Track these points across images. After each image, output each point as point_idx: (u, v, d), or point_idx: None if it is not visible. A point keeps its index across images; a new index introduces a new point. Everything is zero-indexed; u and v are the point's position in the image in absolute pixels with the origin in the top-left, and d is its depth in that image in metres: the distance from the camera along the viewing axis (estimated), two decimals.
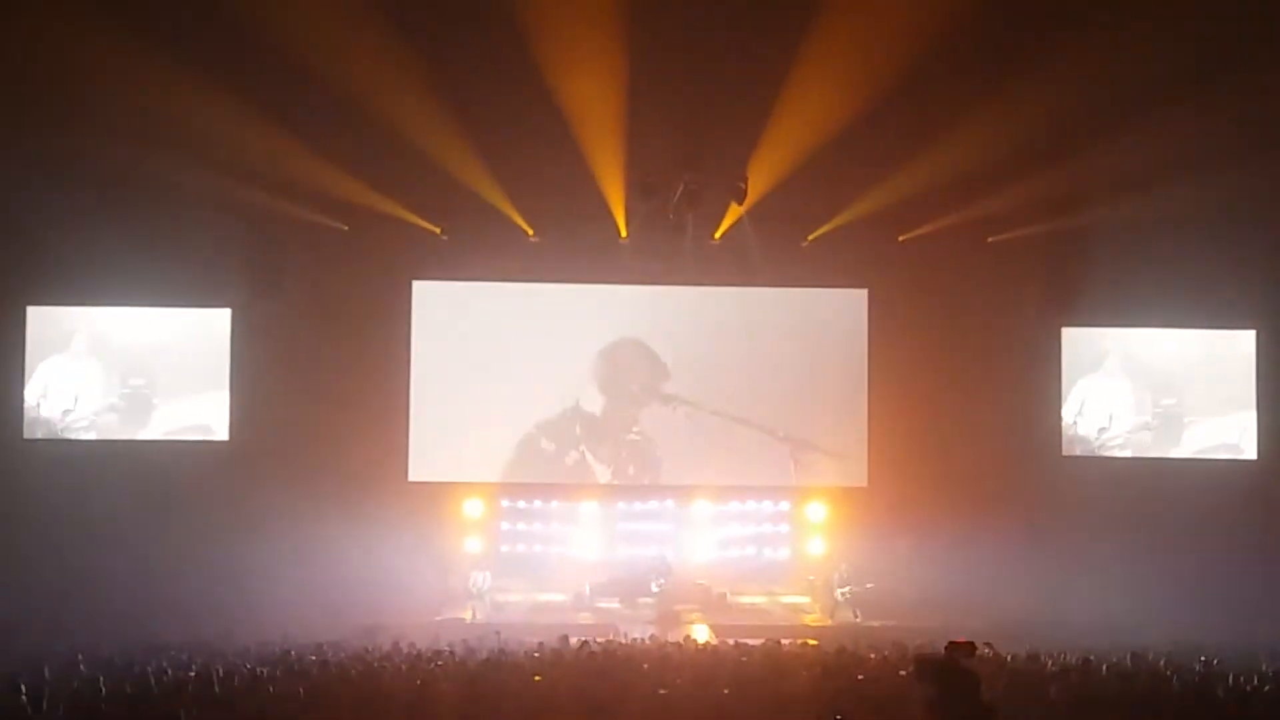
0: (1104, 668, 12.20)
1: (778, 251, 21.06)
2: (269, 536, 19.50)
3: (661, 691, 10.38)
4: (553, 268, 21.33)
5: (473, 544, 20.81)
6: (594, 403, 21.51)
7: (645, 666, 11.78)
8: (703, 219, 20.64)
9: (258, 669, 11.43)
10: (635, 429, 21.53)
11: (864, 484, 21.34)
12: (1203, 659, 12.94)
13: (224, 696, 10.05)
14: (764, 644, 14.03)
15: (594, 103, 17.29)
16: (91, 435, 21.01)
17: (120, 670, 11.55)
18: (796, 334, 21.55)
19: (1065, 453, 21.70)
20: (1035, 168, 18.61)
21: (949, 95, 17.27)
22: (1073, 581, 19.63)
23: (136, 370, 21.08)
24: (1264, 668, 12.22)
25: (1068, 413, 21.71)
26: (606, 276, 21.55)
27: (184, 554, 19.48)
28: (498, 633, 15.85)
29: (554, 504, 21.34)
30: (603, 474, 21.55)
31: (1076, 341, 21.84)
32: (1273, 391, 21.58)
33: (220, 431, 21.07)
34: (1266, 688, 11.06)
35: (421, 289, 21.46)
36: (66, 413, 20.95)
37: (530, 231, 20.97)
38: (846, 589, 20.07)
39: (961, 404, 21.06)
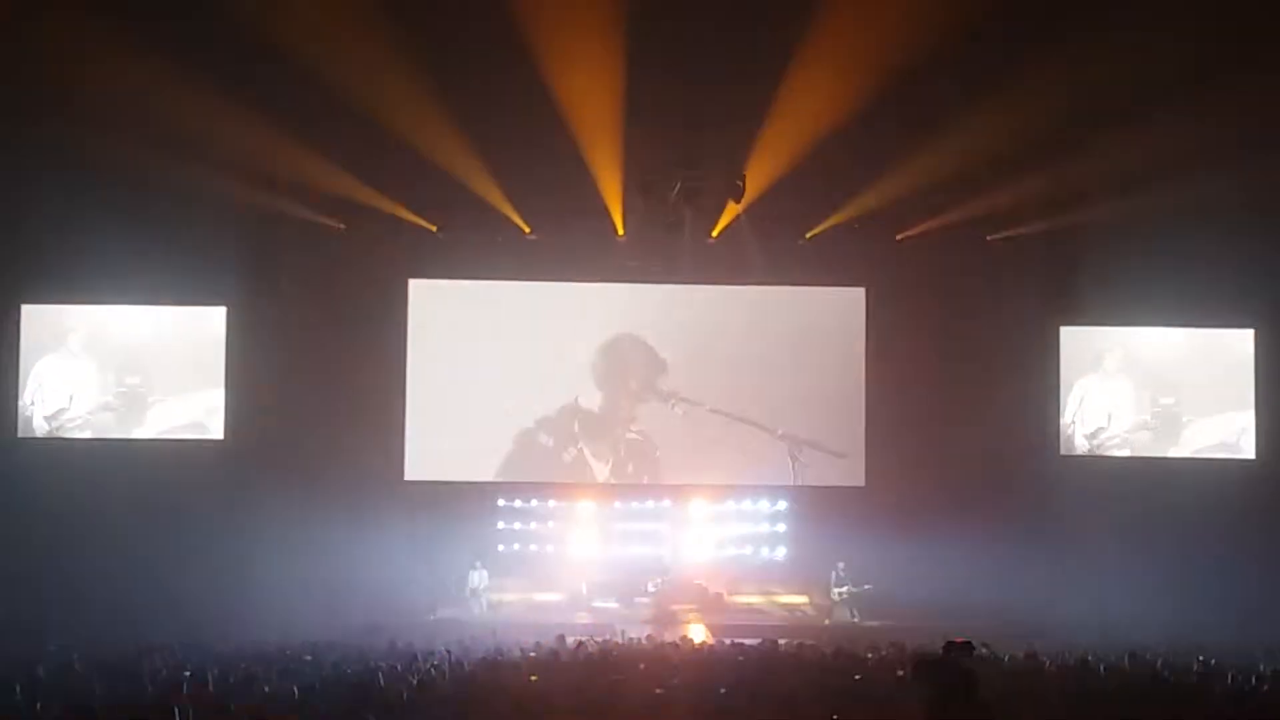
0: (1102, 667, 12.18)
1: (775, 250, 21.02)
2: (264, 536, 19.46)
3: (658, 691, 10.34)
4: (550, 266, 21.28)
5: (469, 543, 20.73)
6: (592, 399, 21.48)
7: (642, 666, 11.76)
8: (700, 217, 20.59)
9: (253, 669, 11.39)
10: (634, 427, 21.49)
11: (861, 483, 21.30)
12: (1201, 658, 12.92)
13: (219, 696, 10.00)
14: (761, 644, 14.01)
15: (591, 100, 17.27)
16: (86, 434, 20.94)
17: (115, 670, 11.50)
18: (794, 333, 21.51)
19: (1063, 452, 21.67)
20: (1034, 166, 18.58)
21: (947, 93, 17.26)
22: (1071, 581, 19.62)
23: (131, 369, 21.01)
24: (1262, 667, 12.20)
25: (1066, 412, 21.68)
26: (604, 275, 21.50)
27: (179, 553, 19.40)
28: (494, 632, 15.87)
29: (551, 503, 21.29)
30: (601, 471, 21.51)
31: (1075, 340, 21.80)
32: (1271, 391, 21.55)
33: (216, 430, 21.00)
34: (1265, 687, 11.03)
35: (418, 287, 21.41)
36: (61, 411, 20.88)
37: (527, 229, 20.93)
38: (844, 589, 20.05)
39: (959, 403, 21.03)
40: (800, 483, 21.04)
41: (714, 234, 20.98)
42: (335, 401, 20.62)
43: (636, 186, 19.89)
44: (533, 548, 21.19)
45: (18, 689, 10.02)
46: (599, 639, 14.22)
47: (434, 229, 20.89)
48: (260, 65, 15.84)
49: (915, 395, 21.12)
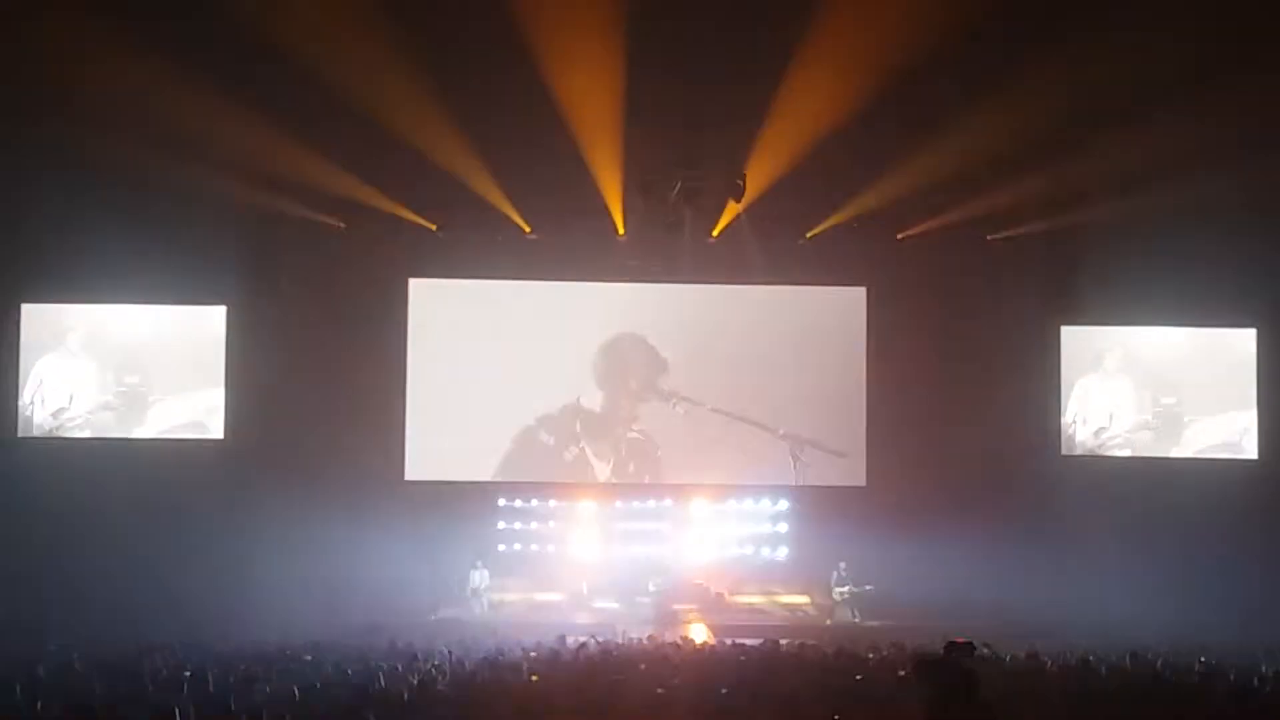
0: (1103, 668, 12.16)
1: (776, 249, 21.00)
2: (265, 535, 19.45)
3: (659, 691, 10.33)
4: (550, 265, 21.27)
5: (470, 543, 20.72)
6: (593, 399, 21.46)
7: (643, 666, 11.74)
8: (701, 217, 20.58)
9: (253, 669, 11.38)
10: (635, 427, 21.48)
11: (862, 483, 21.29)
12: (1202, 659, 12.90)
13: (220, 696, 9.98)
14: (762, 644, 13.99)
15: (591, 99, 17.26)
16: (86, 434, 20.94)
17: (116, 670, 11.49)
18: (795, 332, 21.50)
19: (1064, 452, 21.66)
20: (1034, 166, 18.57)
21: (947, 93, 17.25)
22: (1072, 581, 19.58)
23: (131, 368, 21.01)
24: (1264, 668, 12.18)
25: (1067, 412, 21.66)
26: (604, 274, 21.50)
27: (180, 553, 19.40)
28: (495, 632, 15.85)
29: (552, 503, 21.28)
30: (602, 470, 21.50)
31: (1076, 340, 21.79)
32: (1273, 390, 21.54)
33: (216, 430, 21.00)
34: (1267, 688, 11.01)
35: (418, 286, 21.40)
36: (61, 411, 20.87)
37: (528, 229, 20.92)
38: (845, 589, 20.03)
39: (960, 403, 21.02)
40: (801, 482, 21.01)
41: (714, 234, 20.97)
42: (335, 401, 20.61)
43: (637, 186, 19.88)
44: (534, 547, 21.17)
45: (18, 689, 10.01)
46: (600, 639, 14.21)
47: (434, 228, 20.88)
48: (260, 65, 15.83)
49: (916, 395, 21.11)
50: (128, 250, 19.67)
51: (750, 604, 20.69)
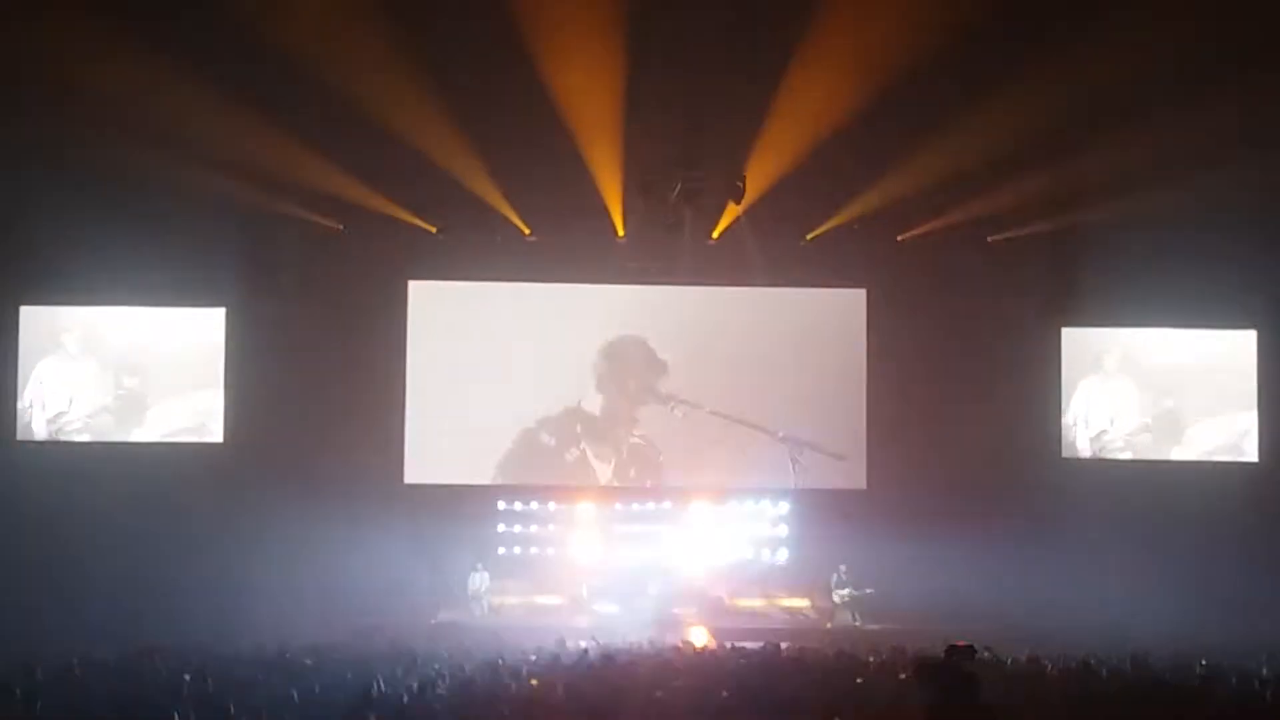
0: (1104, 671, 12.13)
1: (776, 251, 20.98)
2: (264, 538, 19.43)
3: (659, 695, 10.30)
4: (550, 267, 21.24)
5: (469, 546, 20.68)
6: (593, 402, 21.43)
7: (643, 670, 11.71)
8: (701, 218, 20.56)
9: (253, 672, 11.36)
10: (637, 431, 21.45)
11: (862, 486, 21.26)
12: (1203, 662, 12.87)
13: (219, 699, 9.96)
14: (763, 647, 13.96)
15: (591, 101, 17.24)
16: (85, 437, 20.91)
17: (115, 674, 11.47)
18: (795, 334, 21.47)
19: (1065, 454, 21.64)
20: (1035, 167, 18.57)
21: (948, 94, 17.23)
22: (1073, 584, 19.54)
23: (130, 371, 20.99)
24: (1265, 671, 12.14)
25: (1067, 414, 21.64)
26: (604, 276, 21.47)
27: (179, 556, 19.38)
28: (495, 635, 15.82)
29: (551, 506, 21.24)
30: (604, 473, 21.47)
31: (1076, 342, 21.78)
32: (1273, 392, 21.52)
33: (215, 433, 20.97)
34: (1268, 692, 10.98)
35: (417, 289, 21.37)
36: (60, 414, 20.85)
37: (527, 231, 20.90)
38: (845, 592, 20.00)
39: (961, 405, 20.99)
40: (801, 485, 20.97)
41: (714, 235, 20.95)
42: (335, 404, 20.60)
43: (636, 187, 19.86)
44: (533, 551, 21.13)
45: (17, 692, 9.98)
46: (600, 642, 14.18)
47: (433, 230, 20.86)
48: (259, 66, 15.81)
49: (916, 397, 21.10)
50: (126, 252, 19.67)
51: (750, 607, 20.63)
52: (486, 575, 20.31)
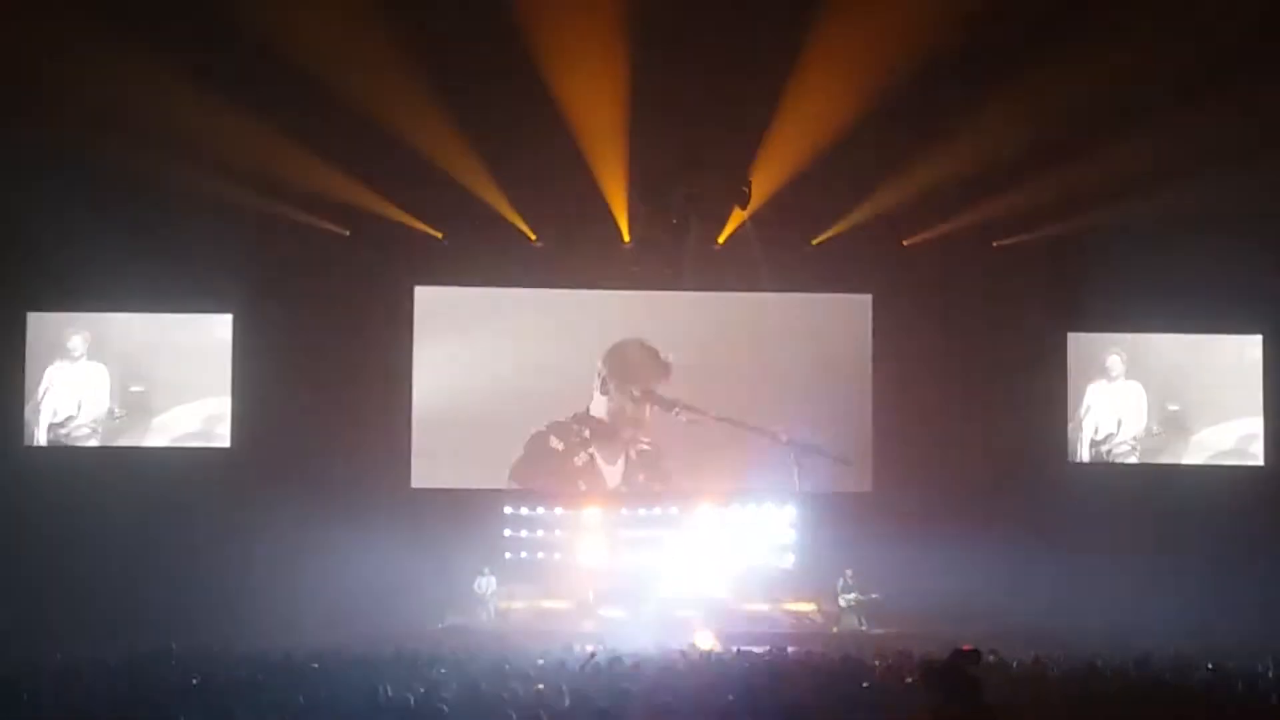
0: (1109, 674, 12.12)
1: (781, 256, 20.98)
2: (271, 543, 19.50)
3: (665, 699, 10.30)
4: (555, 273, 21.27)
5: (476, 550, 20.70)
6: (599, 407, 21.44)
7: (649, 674, 11.72)
8: (706, 223, 20.58)
9: (259, 676, 11.37)
10: (644, 437, 21.43)
11: (868, 489, 21.26)
12: (1209, 665, 12.85)
13: (225, 704, 9.98)
14: (769, 651, 13.96)
15: (596, 107, 17.30)
16: (93, 442, 20.96)
17: (121, 677, 11.48)
18: (800, 339, 21.45)
19: (1071, 459, 21.62)
20: (1040, 172, 18.59)
21: (953, 99, 17.26)
22: (1079, 588, 19.55)
23: (138, 377, 21.02)
24: (1271, 674, 12.13)
25: (1074, 419, 21.62)
26: (609, 282, 21.48)
27: (186, 561, 19.45)
28: (501, 639, 15.83)
29: (558, 511, 21.25)
30: (612, 477, 21.47)
31: (1082, 347, 21.76)
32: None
33: (222, 438, 21.01)
34: (1273, 697, 10.97)
35: (424, 294, 21.39)
36: (68, 420, 20.89)
37: (533, 237, 20.93)
38: (851, 596, 20.00)
39: (966, 410, 21.00)
40: (807, 490, 20.97)
41: (720, 240, 20.97)
42: (341, 409, 20.64)
43: (642, 193, 19.89)
44: (540, 555, 21.13)
45: (24, 696, 10.01)
46: (606, 646, 14.18)
47: (440, 236, 20.89)
48: (266, 73, 15.87)
49: (922, 402, 21.08)
50: (133, 259, 19.73)
51: (756, 612, 20.61)
52: (493, 580, 20.32)
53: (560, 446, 21.41)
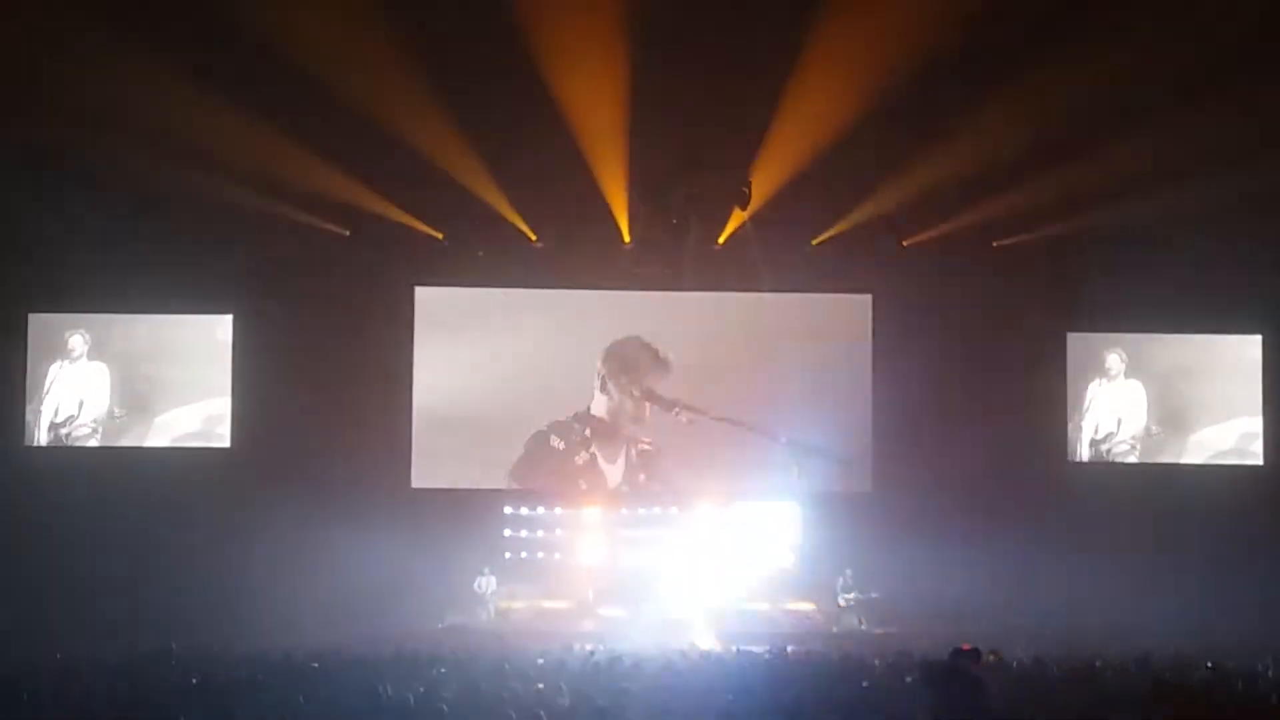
0: (1110, 674, 12.13)
1: (781, 256, 20.98)
2: (271, 543, 19.50)
3: (664, 699, 10.31)
4: (556, 273, 21.27)
5: (476, 550, 20.71)
6: (600, 405, 21.44)
7: (648, 674, 11.72)
8: (706, 224, 20.59)
9: (260, 676, 11.38)
10: (645, 437, 21.43)
11: (868, 489, 21.26)
12: (1209, 665, 12.86)
13: (225, 704, 9.99)
14: (768, 651, 13.96)
15: (596, 107, 17.30)
16: (94, 443, 20.97)
17: (122, 677, 11.49)
18: (800, 339, 21.44)
19: (1071, 459, 21.62)
20: (1040, 172, 18.58)
21: (953, 99, 17.25)
22: (1079, 588, 19.55)
23: (138, 377, 21.02)
24: (1271, 674, 12.14)
25: (1074, 419, 21.63)
26: (610, 282, 21.48)
27: (186, 561, 19.47)
28: (501, 639, 15.83)
29: (558, 510, 21.27)
30: (613, 476, 21.47)
31: (1082, 347, 21.76)
32: (1279, 397, 21.50)
33: (222, 438, 21.02)
34: (1273, 696, 10.97)
35: (424, 294, 21.40)
36: (69, 420, 20.91)
37: (533, 237, 20.94)
38: (851, 595, 20.00)
39: (966, 410, 20.97)
40: (807, 489, 20.98)
41: (720, 240, 20.97)
42: (342, 409, 20.63)
43: (642, 193, 19.89)
44: (540, 555, 21.15)
45: (25, 696, 10.02)
46: (606, 646, 14.18)
47: (440, 236, 20.90)
48: (266, 73, 15.87)
49: (922, 402, 21.07)
50: (134, 260, 19.76)
51: (756, 611, 20.63)
52: (493, 579, 20.34)
53: (561, 445, 21.41)
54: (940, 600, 18.77)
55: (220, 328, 21.07)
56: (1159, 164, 17.72)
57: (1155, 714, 10.09)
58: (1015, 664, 12.68)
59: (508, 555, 21.00)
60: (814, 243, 21.04)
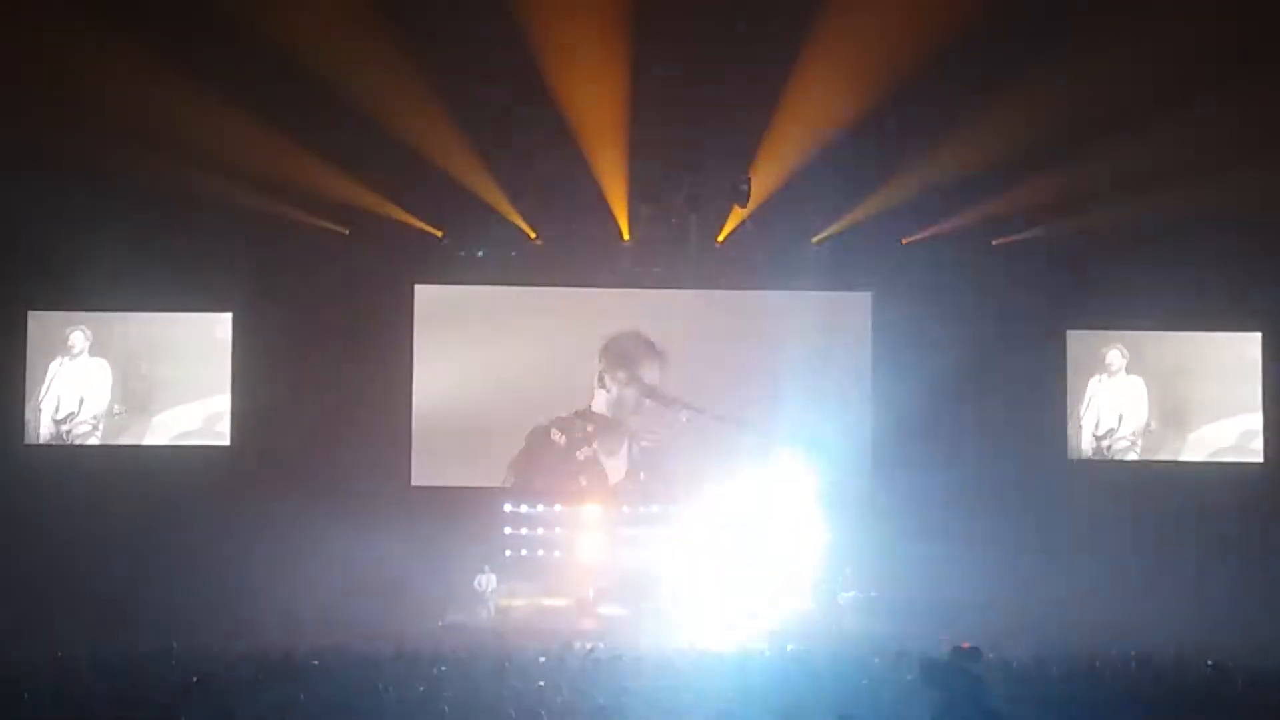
0: (1109, 672, 12.14)
1: (781, 255, 20.99)
2: (271, 541, 19.50)
3: (664, 698, 10.32)
4: (555, 271, 21.27)
5: (476, 548, 20.72)
6: (601, 402, 21.45)
7: (649, 672, 11.74)
8: (706, 222, 20.59)
9: (260, 674, 11.39)
10: (646, 435, 21.43)
11: (867, 487, 21.24)
12: (1209, 663, 12.87)
13: (225, 702, 10.00)
14: (768, 649, 13.96)
15: (596, 105, 17.33)
16: (93, 441, 20.98)
17: (122, 675, 11.50)
18: (800, 337, 21.41)
19: (1071, 456, 21.63)
20: (1039, 170, 18.60)
21: (952, 97, 17.26)
22: (1078, 585, 19.55)
23: (138, 375, 21.03)
24: (1272, 672, 12.14)
25: (1073, 416, 21.63)
26: (609, 280, 21.49)
27: (186, 559, 19.48)
28: (502, 637, 15.84)
29: (558, 508, 21.27)
30: (615, 472, 21.48)
31: (1081, 344, 21.77)
32: (1279, 394, 21.49)
33: (222, 436, 21.02)
34: (1275, 693, 10.99)
35: (424, 293, 21.40)
36: (69, 418, 20.91)
37: (533, 234, 20.94)
38: (850, 593, 19.99)
39: (966, 407, 20.98)
40: (807, 488, 20.95)
41: (719, 239, 20.98)
42: (342, 407, 20.64)
43: (642, 191, 19.90)
44: (540, 553, 21.16)
45: (25, 695, 10.03)
46: (606, 644, 14.19)
47: (439, 234, 20.90)
48: (266, 72, 15.88)
49: (922, 399, 21.04)
50: (134, 257, 19.76)
51: (755, 610, 20.61)
52: (494, 577, 20.34)
53: (562, 440, 21.43)
54: (940, 599, 18.75)
55: (220, 326, 21.08)
56: (1158, 162, 17.73)
57: (1155, 712, 10.10)
58: (1015, 663, 12.68)
59: (508, 553, 21.00)
60: (814, 241, 21.04)
